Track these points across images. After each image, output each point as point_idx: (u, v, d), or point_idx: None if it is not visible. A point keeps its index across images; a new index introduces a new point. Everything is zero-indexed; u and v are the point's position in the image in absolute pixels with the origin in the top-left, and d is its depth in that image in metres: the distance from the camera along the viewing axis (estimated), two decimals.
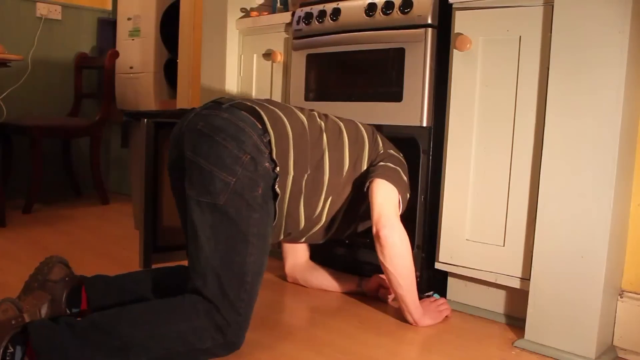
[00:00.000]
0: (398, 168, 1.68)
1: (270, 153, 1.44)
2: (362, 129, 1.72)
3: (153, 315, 1.28)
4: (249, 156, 1.39)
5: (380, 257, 1.59)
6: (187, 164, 1.41)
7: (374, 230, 1.58)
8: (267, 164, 1.43)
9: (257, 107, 1.51)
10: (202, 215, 1.36)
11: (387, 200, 1.60)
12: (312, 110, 1.69)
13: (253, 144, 1.41)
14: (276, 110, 1.54)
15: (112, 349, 1.20)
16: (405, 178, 1.70)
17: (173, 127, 1.58)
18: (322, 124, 1.62)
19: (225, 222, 1.35)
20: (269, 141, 1.45)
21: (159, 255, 1.81)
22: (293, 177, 1.50)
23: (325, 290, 1.96)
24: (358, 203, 1.69)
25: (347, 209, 1.68)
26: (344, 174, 1.62)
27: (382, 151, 1.72)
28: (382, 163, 1.67)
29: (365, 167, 1.67)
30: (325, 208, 1.62)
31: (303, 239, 1.72)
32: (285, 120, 1.53)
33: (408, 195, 1.74)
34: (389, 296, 1.86)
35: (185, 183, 1.41)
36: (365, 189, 1.63)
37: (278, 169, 1.46)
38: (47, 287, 1.40)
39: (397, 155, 1.75)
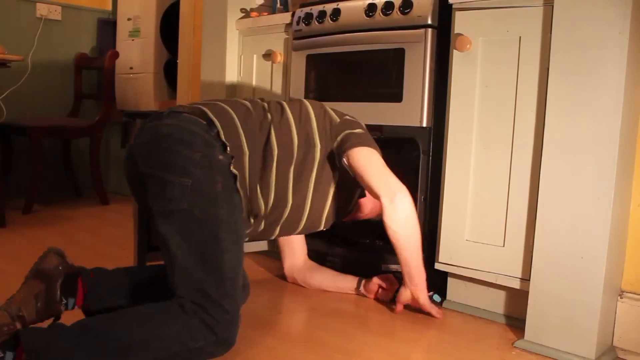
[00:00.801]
0: (362, 131, 1.67)
1: (224, 145, 1.44)
2: (307, 104, 1.70)
3: (147, 318, 1.27)
4: (200, 153, 1.38)
5: (389, 223, 1.61)
6: (145, 179, 1.41)
7: (386, 199, 1.59)
8: (220, 157, 1.41)
9: (198, 106, 1.51)
10: (169, 225, 1.35)
11: (377, 166, 1.62)
12: (258, 98, 1.70)
13: (201, 141, 1.40)
14: (218, 102, 1.56)
15: (109, 352, 1.20)
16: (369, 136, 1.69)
17: None
18: (265, 104, 1.63)
19: (193, 225, 1.34)
20: (217, 133, 1.44)
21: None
22: (249, 155, 1.50)
23: (325, 291, 1.96)
24: (333, 180, 1.66)
25: (320, 187, 1.64)
26: (296, 148, 1.59)
27: (338, 120, 1.69)
28: (346, 132, 1.64)
29: (319, 140, 1.63)
30: (284, 185, 1.57)
31: (279, 229, 1.65)
32: (228, 108, 1.53)
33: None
34: (389, 296, 1.86)
35: (148, 199, 1.41)
36: (343, 162, 1.62)
37: (231, 151, 1.44)
38: (40, 276, 1.40)
39: (354, 119, 1.73)
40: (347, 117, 1.73)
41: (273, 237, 1.72)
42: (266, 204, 1.56)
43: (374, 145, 1.66)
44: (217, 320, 1.29)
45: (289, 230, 1.69)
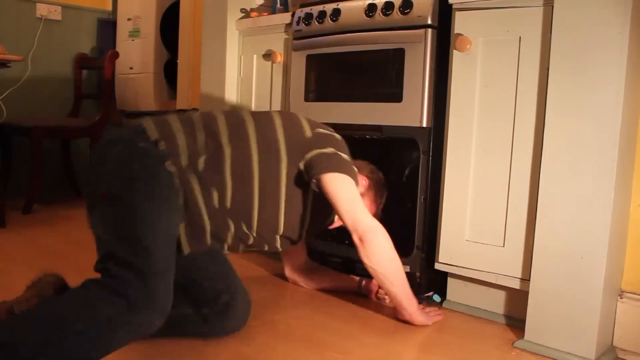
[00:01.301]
0: (334, 150, 1.57)
1: (156, 142, 1.41)
2: (276, 113, 1.63)
3: (48, 313, 1.22)
4: (121, 145, 1.39)
5: (367, 261, 1.57)
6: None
7: (355, 237, 1.56)
8: (142, 144, 1.40)
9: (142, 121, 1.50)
10: (95, 219, 1.36)
11: (347, 198, 1.55)
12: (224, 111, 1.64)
13: (126, 138, 1.42)
14: (164, 115, 1.54)
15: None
16: (346, 157, 1.59)
17: None
18: (218, 114, 1.56)
19: (111, 206, 1.33)
20: (145, 132, 1.43)
21: None
22: (188, 156, 1.43)
23: (325, 291, 1.96)
24: (304, 195, 1.58)
25: (292, 200, 1.56)
26: (255, 157, 1.50)
27: (310, 135, 1.59)
28: (315, 151, 1.54)
29: (285, 152, 1.54)
30: (245, 195, 1.49)
31: (253, 238, 1.57)
32: (169, 116, 1.52)
33: (356, 170, 1.65)
34: (387, 297, 1.86)
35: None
36: (313, 185, 1.55)
37: (163, 146, 1.41)
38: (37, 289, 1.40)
39: (328, 132, 1.64)
40: (321, 130, 1.63)
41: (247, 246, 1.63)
42: (208, 213, 1.47)
43: (344, 167, 1.56)
44: (125, 280, 1.23)
45: (264, 242, 1.62)
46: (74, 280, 1.44)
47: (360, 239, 1.55)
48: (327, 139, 1.61)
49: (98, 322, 1.19)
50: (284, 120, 1.60)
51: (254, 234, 1.55)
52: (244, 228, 1.52)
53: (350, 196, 1.56)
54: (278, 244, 1.64)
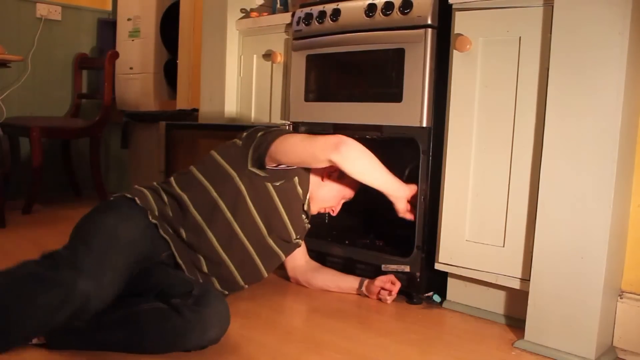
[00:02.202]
0: (263, 132, 1.70)
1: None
2: (211, 151, 1.73)
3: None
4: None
5: (350, 169, 1.66)
6: None
7: (334, 157, 1.62)
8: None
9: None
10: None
11: (300, 141, 1.65)
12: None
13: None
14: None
15: None
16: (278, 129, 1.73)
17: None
18: (171, 178, 1.71)
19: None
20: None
21: None
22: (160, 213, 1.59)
23: (326, 291, 1.96)
24: (272, 194, 1.68)
25: (262, 205, 1.67)
26: (211, 189, 1.63)
27: (240, 142, 1.72)
28: (252, 145, 1.67)
29: (231, 168, 1.67)
30: (222, 224, 1.61)
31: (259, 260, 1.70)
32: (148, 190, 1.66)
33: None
34: (389, 297, 1.86)
35: None
36: (269, 167, 1.65)
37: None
38: None
39: (254, 128, 1.75)
40: (246, 132, 1.75)
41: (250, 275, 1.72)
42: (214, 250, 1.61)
43: (280, 133, 1.68)
44: (61, 255, 1.35)
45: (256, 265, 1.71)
46: None
47: (338, 152, 1.62)
48: (254, 132, 1.73)
49: (21, 278, 1.28)
50: (218, 148, 1.74)
51: (252, 249, 1.66)
52: (241, 252, 1.65)
53: (301, 139, 1.66)
54: (275, 246, 1.71)
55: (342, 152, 1.62)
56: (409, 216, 1.84)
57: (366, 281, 1.92)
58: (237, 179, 1.65)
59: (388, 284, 1.86)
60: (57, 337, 1.37)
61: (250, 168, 1.66)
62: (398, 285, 1.85)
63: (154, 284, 1.47)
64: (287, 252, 1.81)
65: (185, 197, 1.62)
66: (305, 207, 1.78)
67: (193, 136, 2.50)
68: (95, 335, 1.36)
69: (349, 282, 1.95)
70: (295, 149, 1.65)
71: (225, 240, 1.62)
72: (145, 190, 1.62)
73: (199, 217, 1.60)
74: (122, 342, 1.36)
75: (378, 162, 1.73)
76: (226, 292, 1.68)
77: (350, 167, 1.66)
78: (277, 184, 1.67)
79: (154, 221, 1.55)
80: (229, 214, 1.62)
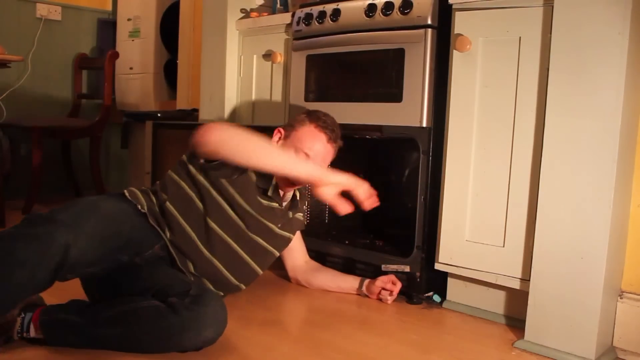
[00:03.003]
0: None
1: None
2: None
3: None
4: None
5: (219, 151, 1.49)
6: None
7: (199, 148, 1.51)
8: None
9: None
10: None
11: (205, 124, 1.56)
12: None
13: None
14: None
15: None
16: None
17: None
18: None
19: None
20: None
21: None
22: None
23: (327, 291, 1.96)
24: (224, 186, 1.63)
25: (213, 207, 1.63)
26: (169, 202, 1.62)
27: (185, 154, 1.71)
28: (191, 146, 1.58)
29: (177, 176, 1.66)
30: (185, 235, 1.60)
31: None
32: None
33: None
34: (389, 298, 1.86)
35: None
36: (201, 156, 1.59)
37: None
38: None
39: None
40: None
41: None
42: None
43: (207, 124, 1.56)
44: (34, 219, 1.35)
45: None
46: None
47: (199, 141, 1.49)
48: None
49: (3, 236, 1.30)
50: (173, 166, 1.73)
51: (235, 245, 1.64)
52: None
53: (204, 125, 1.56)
54: (260, 240, 1.67)
55: (209, 138, 1.48)
56: (344, 209, 1.46)
57: (367, 281, 1.92)
58: (198, 176, 1.63)
59: (389, 284, 1.86)
60: (54, 333, 1.38)
61: (190, 170, 1.64)
62: (399, 285, 1.85)
63: (152, 283, 1.46)
64: (278, 246, 1.75)
65: (164, 196, 1.62)
66: (270, 193, 1.66)
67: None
68: (92, 330, 1.36)
69: (349, 282, 1.95)
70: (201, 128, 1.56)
71: (204, 236, 1.59)
72: (135, 189, 1.64)
73: (176, 213, 1.59)
74: (118, 338, 1.36)
75: (263, 141, 1.52)
76: (221, 293, 1.66)
77: (227, 151, 1.48)
78: (233, 177, 1.62)
79: (143, 211, 1.55)
80: (202, 210, 1.61)
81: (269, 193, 1.67)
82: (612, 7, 1.40)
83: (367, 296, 1.91)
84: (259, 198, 1.65)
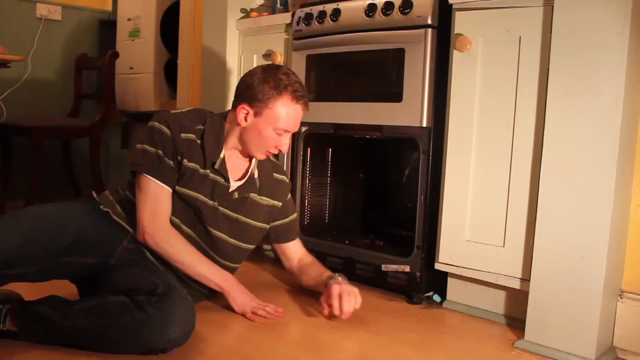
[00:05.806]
0: (140, 145, 1.63)
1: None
2: None
3: None
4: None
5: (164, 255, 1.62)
6: None
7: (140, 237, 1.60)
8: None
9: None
10: None
11: (140, 200, 1.61)
12: None
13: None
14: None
15: None
16: (149, 148, 1.61)
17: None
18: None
19: None
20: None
21: None
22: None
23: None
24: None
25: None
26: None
27: None
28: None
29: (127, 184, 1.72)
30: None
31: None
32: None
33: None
34: (336, 312, 1.64)
35: None
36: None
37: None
38: None
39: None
40: None
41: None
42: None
43: (144, 159, 1.61)
44: None
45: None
46: (70, 284, 1.46)
47: (141, 235, 1.60)
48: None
49: None
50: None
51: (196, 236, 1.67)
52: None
53: (141, 197, 1.62)
54: (218, 232, 1.67)
55: (155, 246, 1.60)
56: (270, 312, 1.65)
57: (332, 281, 1.69)
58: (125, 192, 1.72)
59: (331, 300, 1.63)
60: (26, 325, 1.40)
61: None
62: (347, 300, 1.62)
63: (123, 283, 1.49)
64: (242, 236, 1.72)
65: (130, 193, 1.67)
66: (217, 166, 1.63)
67: None
68: (62, 323, 1.38)
69: (319, 283, 1.77)
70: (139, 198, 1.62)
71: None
72: (107, 190, 1.73)
73: (134, 201, 1.64)
74: (87, 333, 1.37)
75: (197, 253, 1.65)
76: (206, 292, 1.68)
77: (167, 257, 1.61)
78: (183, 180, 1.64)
79: (105, 209, 1.63)
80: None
81: (216, 166, 1.63)
82: (612, 7, 1.40)
83: (366, 296, 1.89)
84: (203, 170, 1.63)
